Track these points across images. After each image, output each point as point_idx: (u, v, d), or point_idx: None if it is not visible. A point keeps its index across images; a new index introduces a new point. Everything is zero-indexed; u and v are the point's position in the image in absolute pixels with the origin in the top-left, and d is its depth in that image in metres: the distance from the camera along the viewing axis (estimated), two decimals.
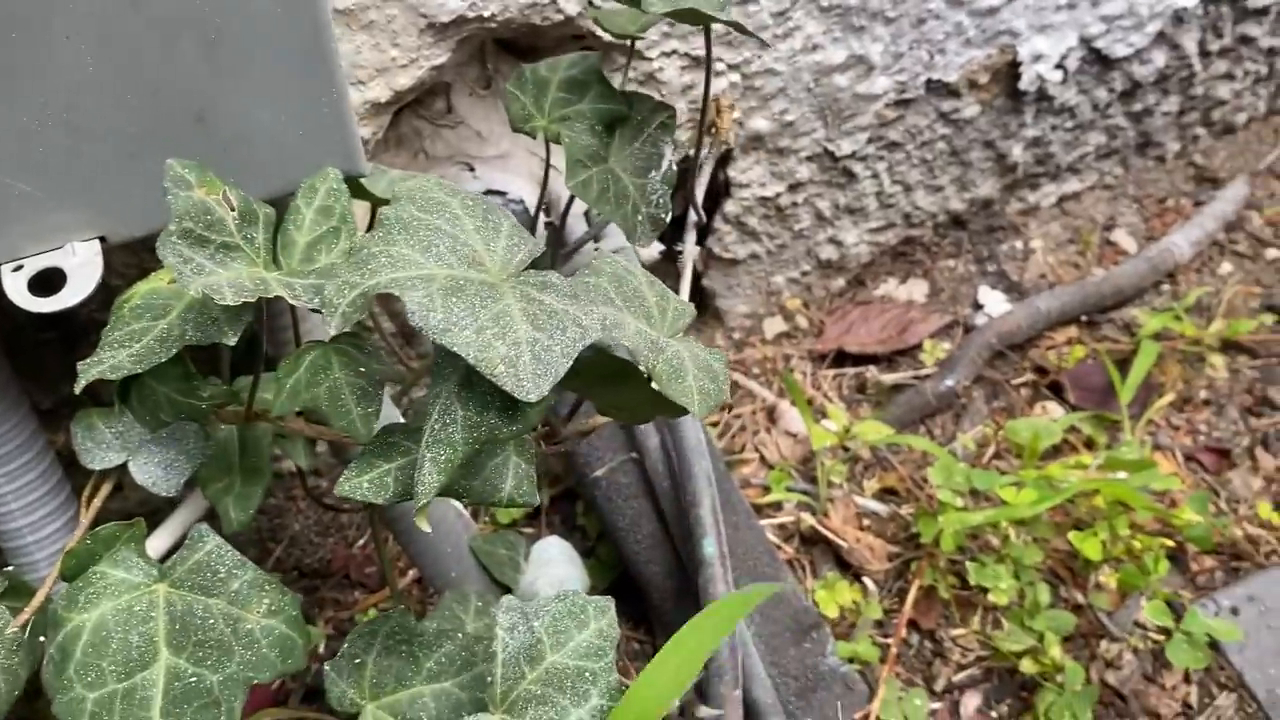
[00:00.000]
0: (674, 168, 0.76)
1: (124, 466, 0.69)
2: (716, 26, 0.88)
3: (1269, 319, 1.22)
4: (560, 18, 0.82)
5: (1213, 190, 1.35)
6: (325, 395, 0.59)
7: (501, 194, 0.94)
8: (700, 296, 1.20)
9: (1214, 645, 0.98)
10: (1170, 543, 0.99)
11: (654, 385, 0.58)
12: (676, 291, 0.86)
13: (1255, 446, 1.13)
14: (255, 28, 0.55)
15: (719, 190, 1.07)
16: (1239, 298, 1.25)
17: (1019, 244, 1.29)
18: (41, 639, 0.63)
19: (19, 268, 0.58)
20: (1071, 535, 0.97)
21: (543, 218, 0.94)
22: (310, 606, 0.99)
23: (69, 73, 0.53)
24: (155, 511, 0.81)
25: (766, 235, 1.13)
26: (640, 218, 0.74)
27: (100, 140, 0.56)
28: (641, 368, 0.59)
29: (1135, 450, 1.05)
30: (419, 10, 0.76)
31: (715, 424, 1.14)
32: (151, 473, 0.68)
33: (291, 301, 0.55)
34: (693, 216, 0.81)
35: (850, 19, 0.94)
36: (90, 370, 0.57)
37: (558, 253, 0.87)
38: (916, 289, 1.25)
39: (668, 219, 0.76)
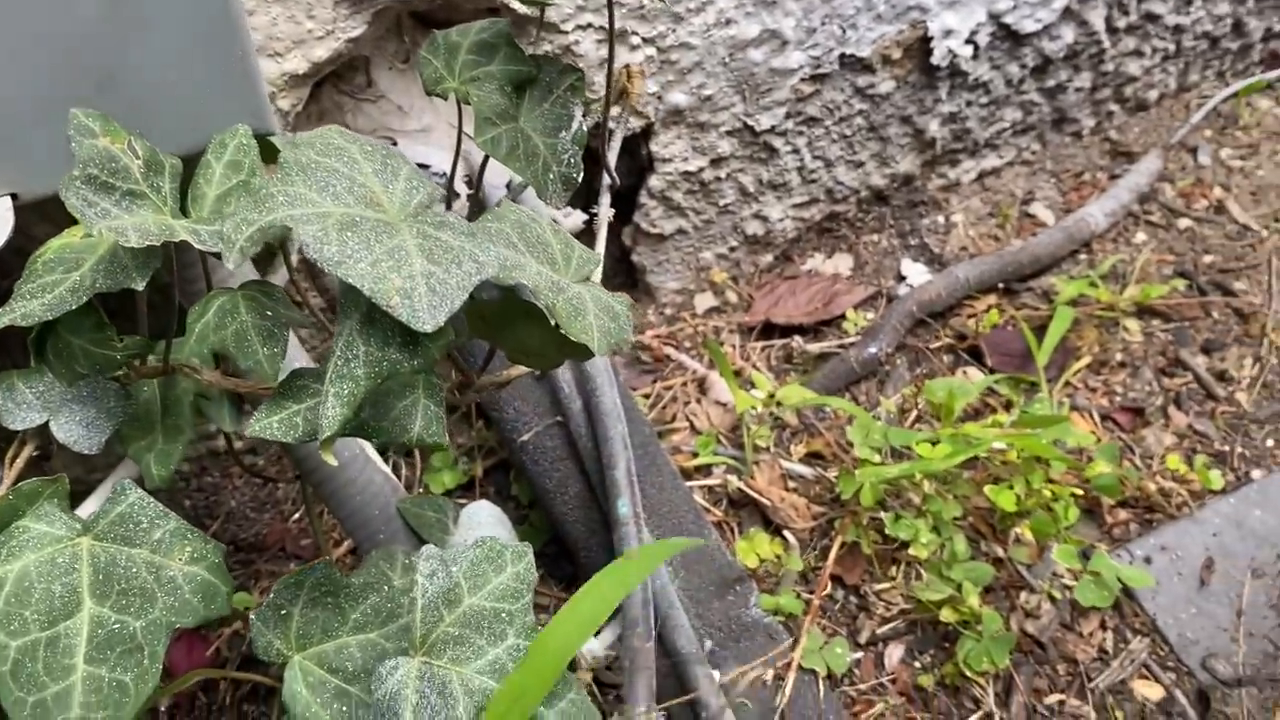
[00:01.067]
0: (584, 128, 0.78)
1: (48, 432, 0.71)
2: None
3: (1181, 284, 1.26)
4: None
5: (1127, 164, 1.39)
6: (232, 338, 0.61)
7: (425, 167, 0.96)
8: (631, 273, 1.22)
9: (1128, 593, 1.01)
10: (1080, 492, 1.03)
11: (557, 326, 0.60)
12: (594, 246, 0.88)
13: (1168, 405, 1.17)
14: None
15: (643, 165, 1.09)
16: (1152, 265, 1.30)
17: (940, 218, 1.33)
18: None
19: None
20: (987, 489, 1.00)
21: (465, 188, 0.96)
22: (247, 579, 1.00)
23: None
24: (90, 489, 0.83)
25: (692, 210, 1.15)
26: (552, 176, 0.77)
27: (8, 100, 0.57)
28: (542, 306, 0.61)
29: (1048, 407, 1.09)
30: None
31: (647, 395, 1.16)
32: (73, 431, 0.70)
33: (197, 246, 0.56)
34: (606, 180, 0.83)
35: None
36: (2, 319, 0.58)
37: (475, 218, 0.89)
38: (842, 263, 1.28)
39: (579, 178, 0.78)
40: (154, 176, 0.58)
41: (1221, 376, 1.19)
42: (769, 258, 1.28)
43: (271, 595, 0.69)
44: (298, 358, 0.84)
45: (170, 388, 0.73)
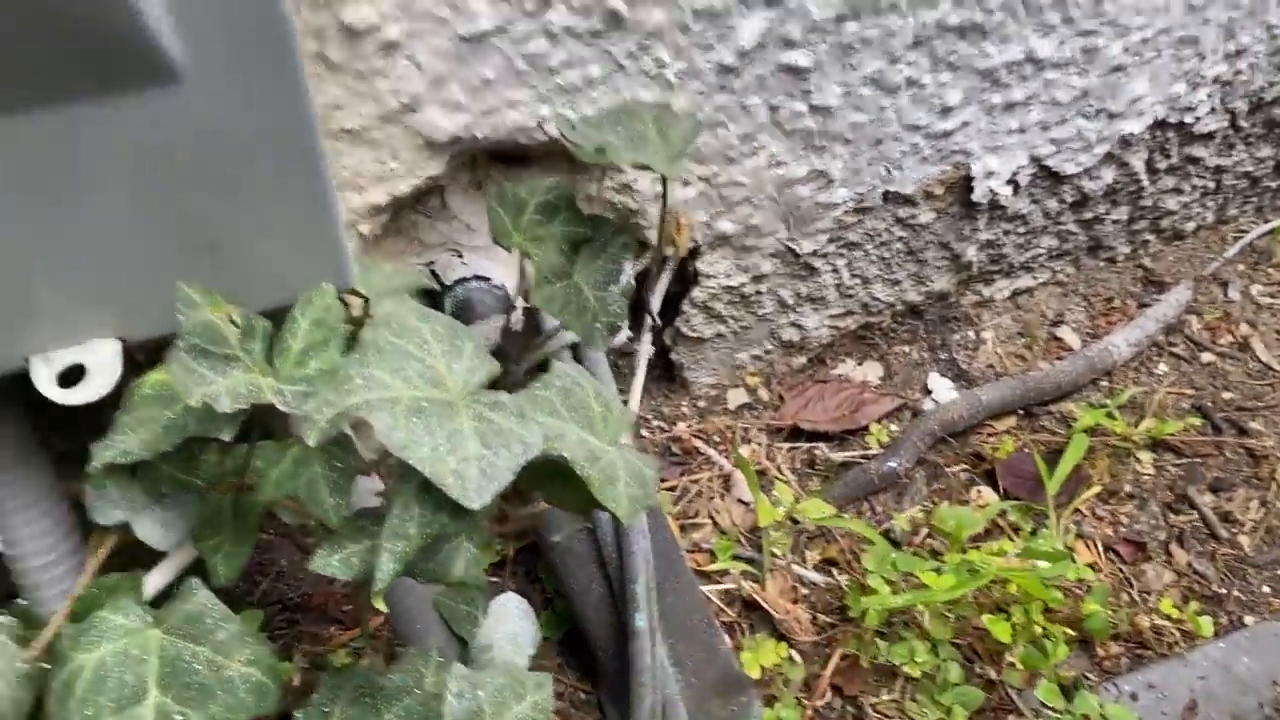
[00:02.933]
0: (631, 282, 0.84)
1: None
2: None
3: (1196, 421, 1.31)
4: (545, 139, 0.90)
5: (1158, 293, 1.43)
6: (304, 487, 0.68)
7: (486, 279, 1.03)
8: (669, 367, 1.28)
9: None
10: (1072, 631, 1.08)
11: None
12: (632, 382, 0.95)
13: (1170, 542, 1.21)
14: (266, 181, 0.64)
15: (688, 278, 1.16)
16: (1171, 398, 1.34)
17: (971, 334, 1.38)
18: (47, 668, 0.71)
19: (47, 360, 0.67)
20: (985, 618, 1.06)
21: (521, 304, 1.03)
22: (290, 639, 1.08)
23: (108, 208, 0.62)
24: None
25: (731, 318, 1.21)
26: (599, 325, 0.83)
27: (126, 259, 0.65)
28: (579, 474, 0.67)
29: (1052, 542, 1.14)
30: (417, 131, 0.85)
31: (674, 488, 1.23)
32: (152, 531, 0.77)
33: (280, 407, 0.63)
34: (649, 321, 0.90)
35: (812, 140, 1.03)
36: (104, 453, 0.66)
37: (532, 339, 0.96)
38: (871, 371, 1.34)
39: (623, 325, 0.84)
40: (248, 341, 0.66)
41: (1226, 517, 1.23)
42: (802, 360, 1.33)
43: (316, 695, 0.76)
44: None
45: (242, 498, 0.80)
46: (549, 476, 0.73)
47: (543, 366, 0.99)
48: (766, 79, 0.95)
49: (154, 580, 0.86)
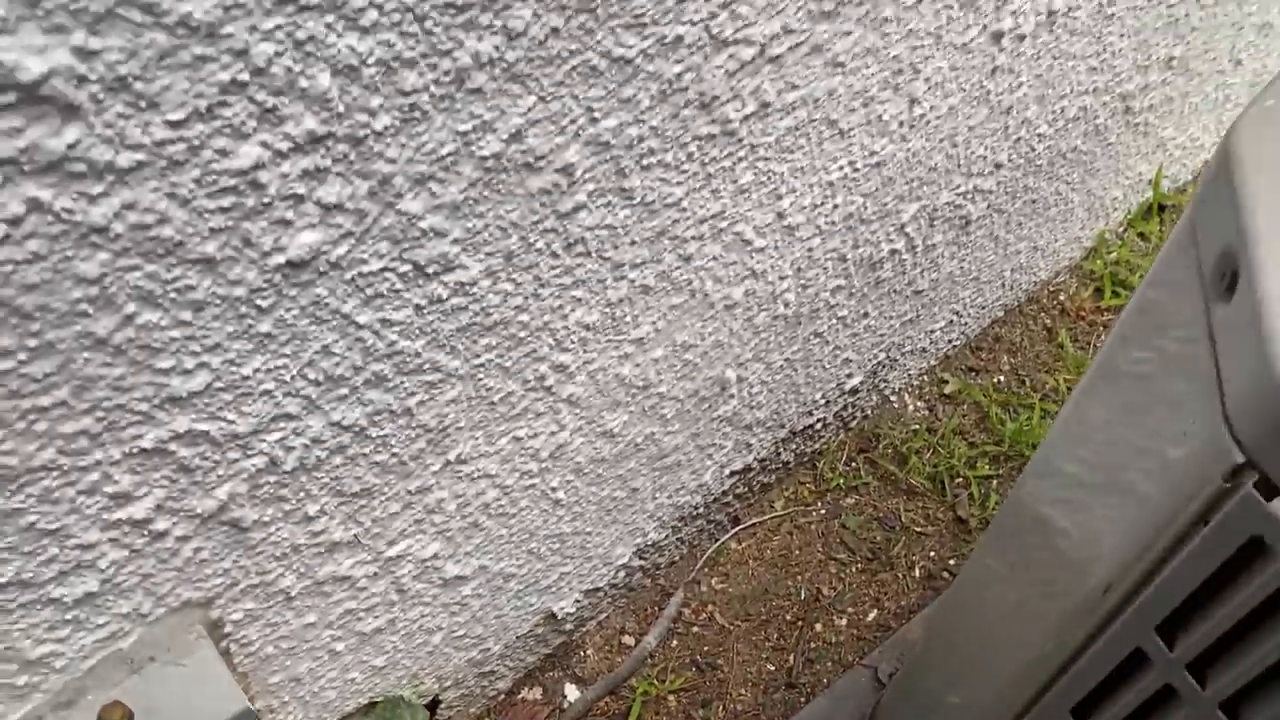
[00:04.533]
0: None
1: None
2: None
3: (692, 671, 2.56)
4: None
5: (667, 599, 2.69)
6: None
7: None
8: None
9: None
10: None
11: None
12: None
13: None
14: None
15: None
16: (679, 661, 2.59)
17: (582, 653, 2.58)
18: None
19: None
20: None
21: None
22: None
23: None
24: None
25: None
26: None
27: None
28: None
29: None
30: None
31: None
32: None
33: None
34: None
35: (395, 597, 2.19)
36: None
37: None
38: (536, 691, 2.51)
39: None
40: None
41: None
42: (498, 691, 2.49)
43: None
44: None
45: None
46: None
47: None
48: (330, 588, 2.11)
49: None
